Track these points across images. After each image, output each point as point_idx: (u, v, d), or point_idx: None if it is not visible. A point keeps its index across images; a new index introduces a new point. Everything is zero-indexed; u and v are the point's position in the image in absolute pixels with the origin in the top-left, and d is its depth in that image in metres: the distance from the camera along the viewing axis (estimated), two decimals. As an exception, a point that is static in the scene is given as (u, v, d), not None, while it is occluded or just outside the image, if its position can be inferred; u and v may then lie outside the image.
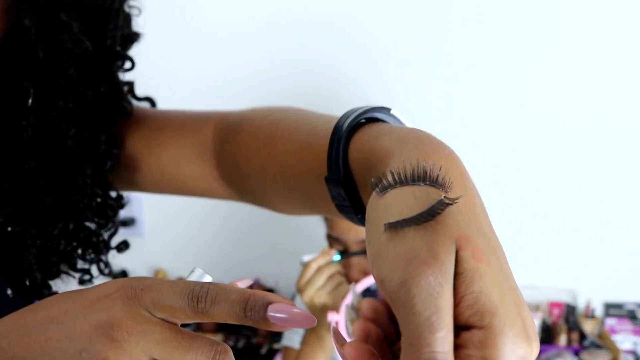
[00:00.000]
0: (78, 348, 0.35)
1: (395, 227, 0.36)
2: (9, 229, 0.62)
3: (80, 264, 0.68)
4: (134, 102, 0.70)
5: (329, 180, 0.48)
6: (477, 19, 1.94)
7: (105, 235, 0.68)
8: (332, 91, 1.99)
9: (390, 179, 0.39)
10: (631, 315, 1.96)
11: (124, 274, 1.94)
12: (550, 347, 1.86)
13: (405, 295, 0.33)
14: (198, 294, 0.36)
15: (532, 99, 1.97)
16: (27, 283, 0.61)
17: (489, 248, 0.37)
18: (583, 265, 1.99)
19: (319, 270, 1.02)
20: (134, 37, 0.67)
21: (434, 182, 0.39)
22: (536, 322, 1.87)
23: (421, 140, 0.43)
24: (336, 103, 1.97)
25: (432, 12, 1.96)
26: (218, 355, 0.36)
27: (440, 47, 1.97)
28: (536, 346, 0.35)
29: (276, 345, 1.95)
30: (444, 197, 0.37)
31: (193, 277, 0.41)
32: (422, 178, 0.38)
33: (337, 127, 0.49)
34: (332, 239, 1.17)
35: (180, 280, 0.38)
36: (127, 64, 0.67)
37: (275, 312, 0.36)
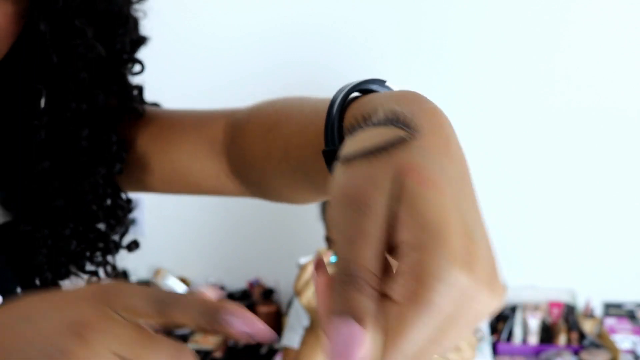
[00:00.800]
0: (49, 345, 0.37)
1: (348, 159, 0.36)
2: (21, 228, 0.63)
3: (88, 266, 0.68)
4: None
5: (327, 152, 0.47)
6: (476, 20, 1.95)
7: (116, 236, 0.70)
8: (334, 90, 1.99)
9: (362, 121, 0.39)
10: (630, 315, 1.96)
11: (124, 274, 1.95)
12: (550, 346, 1.87)
13: (335, 217, 0.35)
14: (166, 300, 0.37)
15: (532, 99, 1.97)
16: (38, 283, 0.63)
17: (444, 177, 0.34)
18: (582, 265, 1.99)
19: None
20: (142, 40, 0.68)
21: (406, 125, 0.37)
22: (536, 321, 1.88)
23: (406, 95, 0.42)
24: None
25: (432, 12, 1.97)
26: (181, 357, 0.37)
27: (440, 45, 1.97)
28: (494, 289, 0.32)
29: (276, 345, 1.95)
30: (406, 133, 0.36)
31: (160, 279, 0.40)
32: (393, 121, 0.38)
33: (333, 101, 0.49)
34: (332, 240, 1.17)
35: (150, 287, 0.39)
36: (137, 67, 0.69)
37: (238, 323, 0.37)
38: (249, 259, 2.08)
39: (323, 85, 2.19)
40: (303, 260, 1.03)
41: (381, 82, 0.51)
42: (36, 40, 0.58)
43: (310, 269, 1.02)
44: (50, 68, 0.60)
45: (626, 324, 1.93)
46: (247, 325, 0.37)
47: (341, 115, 0.48)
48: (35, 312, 0.39)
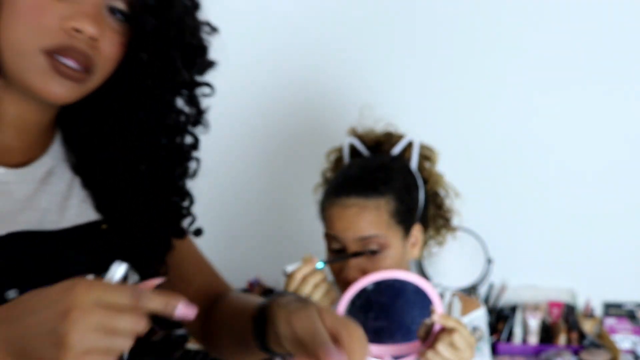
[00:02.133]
0: (48, 329, 0.52)
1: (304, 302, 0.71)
2: (103, 226, 0.79)
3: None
4: None
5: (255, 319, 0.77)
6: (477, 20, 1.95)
7: (186, 223, 0.90)
8: (335, 91, 1.99)
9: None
10: (630, 315, 1.96)
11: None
12: (550, 346, 1.87)
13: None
14: (133, 293, 0.55)
15: (534, 100, 1.97)
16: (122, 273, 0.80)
17: None
18: (582, 265, 1.99)
19: (304, 280, 1.02)
20: (211, 65, 0.82)
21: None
22: (536, 321, 1.88)
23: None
24: (339, 101, 1.98)
25: (431, 13, 1.97)
26: (138, 325, 0.54)
27: (438, 46, 1.97)
28: None
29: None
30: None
31: (116, 271, 0.61)
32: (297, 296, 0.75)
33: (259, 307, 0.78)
34: (331, 237, 1.16)
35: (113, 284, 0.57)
36: (207, 90, 0.83)
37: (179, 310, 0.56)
38: (249, 259, 2.08)
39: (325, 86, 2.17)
40: (290, 268, 1.03)
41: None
42: (136, 66, 0.74)
43: (298, 277, 1.01)
44: (144, 89, 0.75)
45: (626, 324, 1.93)
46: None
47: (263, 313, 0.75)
48: (35, 305, 0.54)
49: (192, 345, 1.98)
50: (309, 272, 1.02)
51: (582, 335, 1.88)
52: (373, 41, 2.00)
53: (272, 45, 2.03)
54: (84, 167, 0.80)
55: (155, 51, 0.73)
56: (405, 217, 1.18)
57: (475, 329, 1.24)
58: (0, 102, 0.72)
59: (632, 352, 1.86)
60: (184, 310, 0.56)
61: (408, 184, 1.21)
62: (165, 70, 0.75)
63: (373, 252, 1.13)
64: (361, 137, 1.29)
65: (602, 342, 1.87)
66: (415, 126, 1.32)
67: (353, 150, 1.28)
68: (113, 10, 0.71)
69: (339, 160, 1.32)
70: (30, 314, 0.53)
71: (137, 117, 0.76)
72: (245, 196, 2.08)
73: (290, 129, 2.04)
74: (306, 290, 1.00)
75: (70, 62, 0.68)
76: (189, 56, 0.77)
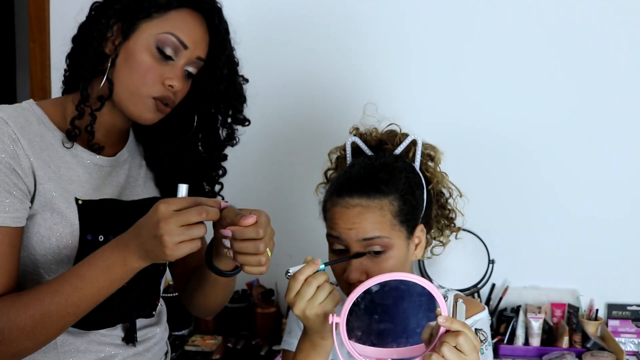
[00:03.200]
0: (151, 236, 0.91)
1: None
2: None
3: None
4: None
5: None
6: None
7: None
8: (339, 92, 1.98)
9: None
10: (634, 317, 1.94)
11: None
12: (553, 348, 1.85)
13: None
14: (202, 211, 0.92)
15: (539, 103, 1.96)
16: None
17: None
18: (586, 267, 1.97)
19: (307, 281, 1.00)
20: (244, 121, 1.24)
21: None
22: (538, 323, 1.86)
23: None
24: (339, 101, 1.96)
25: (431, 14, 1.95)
26: (205, 215, 0.92)
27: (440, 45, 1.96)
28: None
29: (275, 347, 1.94)
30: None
31: (181, 191, 0.98)
32: None
33: None
34: (333, 238, 1.14)
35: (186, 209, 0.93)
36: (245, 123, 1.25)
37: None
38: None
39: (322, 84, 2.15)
40: (292, 270, 1.00)
41: None
42: (197, 95, 1.17)
43: (301, 279, 0.99)
44: (204, 113, 1.19)
45: (630, 326, 1.91)
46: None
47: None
48: (142, 224, 0.93)
49: (192, 347, 1.96)
50: (311, 273, 1.00)
51: (585, 337, 1.86)
52: (378, 41, 1.98)
53: (275, 45, 2.02)
54: (150, 157, 1.22)
55: (212, 84, 1.16)
56: (409, 218, 1.15)
57: (480, 332, 1.21)
58: (101, 114, 1.10)
59: (636, 355, 1.84)
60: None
61: (411, 183, 1.19)
62: (218, 101, 1.19)
63: (377, 253, 1.11)
64: (364, 136, 1.27)
65: (605, 344, 1.85)
66: (418, 127, 1.32)
67: (355, 149, 1.26)
68: (188, 72, 1.13)
69: (341, 159, 1.30)
70: (140, 230, 0.93)
71: (184, 126, 1.20)
72: (245, 196, 2.06)
73: (293, 130, 2.02)
74: (309, 291, 0.98)
75: (166, 107, 1.11)
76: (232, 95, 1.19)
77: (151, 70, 1.07)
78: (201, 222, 0.92)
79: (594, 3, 1.90)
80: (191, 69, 1.12)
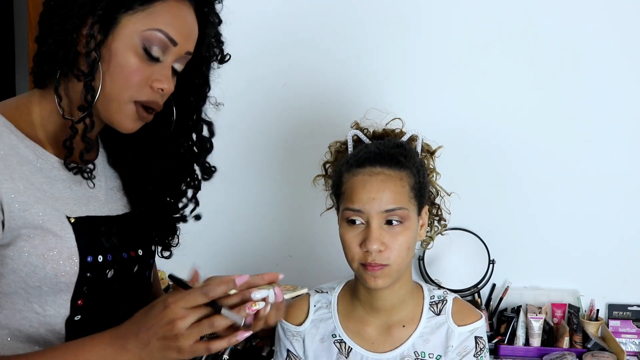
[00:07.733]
0: (161, 336, 0.85)
1: None
2: (140, 216, 1.09)
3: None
4: None
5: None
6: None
7: (187, 211, 1.16)
8: (341, 93, 1.98)
9: None
10: (635, 317, 1.94)
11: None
12: (553, 349, 1.84)
13: None
14: (208, 292, 0.85)
15: (538, 102, 1.95)
16: (141, 252, 1.09)
17: None
18: (586, 266, 1.97)
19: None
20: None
21: None
22: (538, 323, 1.86)
23: None
24: (339, 101, 1.96)
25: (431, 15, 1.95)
26: (215, 322, 0.86)
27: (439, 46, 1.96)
28: None
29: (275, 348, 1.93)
30: None
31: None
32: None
33: None
34: (353, 212, 1.14)
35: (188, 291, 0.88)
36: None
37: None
38: (249, 259, 2.06)
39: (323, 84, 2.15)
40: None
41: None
42: (172, 107, 1.05)
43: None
44: (186, 107, 1.07)
45: (631, 327, 1.90)
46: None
47: None
48: (149, 323, 0.86)
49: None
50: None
51: (586, 338, 1.85)
52: (378, 42, 1.98)
53: (276, 45, 2.01)
54: (119, 164, 1.10)
55: (186, 101, 1.07)
56: (421, 194, 1.20)
57: (477, 339, 1.23)
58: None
59: (637, 355, 1.84)
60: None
61: (422, 163, 1.25)
62: (192, 112, 1.08)
63: (393, 224, 1.14)
64: (364, 130, 1.30)
65: (606, 344, 1.85)
66: (419, 126, 1.32)
67: (357, 141, 1.29)
68: (173, 69, 0.99)
69: (340, 152, 1.31)
70: (146, 330, 0.86)
71: (163, 122, 1.06)
72: (245, 197, 2.06)
73: (293, 131, 2.02)
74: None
75: (150, 114, 0.98)
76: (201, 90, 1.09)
77: (137, 72, 0.93)
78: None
79: (590, 5, 1.90)
80: (177, 66, 0.99)
